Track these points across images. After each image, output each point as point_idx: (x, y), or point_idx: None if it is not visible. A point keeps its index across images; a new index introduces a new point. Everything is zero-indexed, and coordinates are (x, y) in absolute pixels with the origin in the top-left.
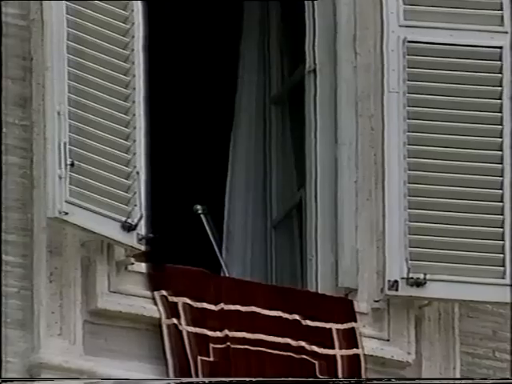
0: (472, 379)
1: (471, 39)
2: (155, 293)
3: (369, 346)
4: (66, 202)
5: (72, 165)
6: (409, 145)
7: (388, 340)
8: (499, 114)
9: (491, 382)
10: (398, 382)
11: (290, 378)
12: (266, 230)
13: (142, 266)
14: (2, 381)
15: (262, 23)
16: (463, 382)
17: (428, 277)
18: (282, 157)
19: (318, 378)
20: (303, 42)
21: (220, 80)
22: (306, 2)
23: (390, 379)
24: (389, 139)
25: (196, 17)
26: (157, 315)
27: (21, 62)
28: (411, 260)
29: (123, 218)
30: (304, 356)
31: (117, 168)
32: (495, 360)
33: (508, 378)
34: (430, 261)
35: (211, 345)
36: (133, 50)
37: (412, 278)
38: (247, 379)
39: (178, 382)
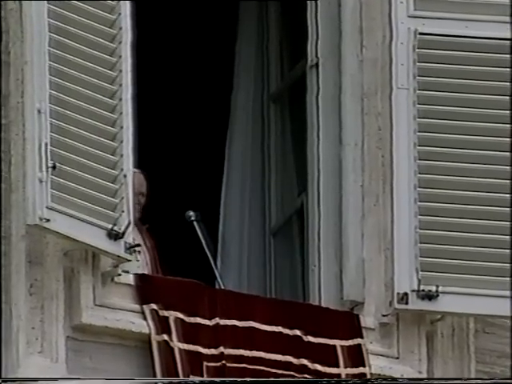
0: (471, 379)
1: (488, 31)
2: (144, 306)
3: (376, 365)
4: (47, 207)
5: (54, 167)
6: (419, 146)
7: (397, 358)
8: None
9: (491, 382)
10: (400, 382)
11: (289, 379)
12: (265, 237)
13: (130, 278)
14: (2, 381)
15: (260, 14)
16: (462, 381)
17: (440, 289)
18: (281, 159)
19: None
20: (304, 35)
21: (215, 77)
22: None
23: (393, 379)
24: (397, 139)
25: (190, 12)
26: (146, 331)
27: None
28: (422, 271)
29: (109, 226)
30: (306, 375)
31: (102, 171)
32: None
33: (508, 378)
34: (442, 272)
35: (205, 363)
36: (120, 42)
37: (423, 290)
38: (239, 379)
39: (167, 381)
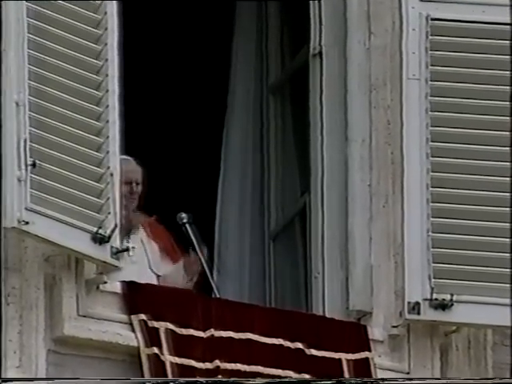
0: (471, 379)
1: (506, 16)
2: (132, 317)
3: None
4: (26, 209)
5: (33, 165)
6: (432, 142)
7: (408, 373)
8: None
9: (491, 382)
10: (402, 381)
11: (288, 379)
12: (264, 241)
13: (117, 286)
14: (2, 381)
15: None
16: (461, 381)
17: (455, 298)
18: (282, 156)
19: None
20: (307, 21)
21: (211, 69)
22: None
23: (395, 379)
24: (408, 135)
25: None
26: (134, 343)
27: None
28: (435, 278)
29: (94, 229)
30: None
31: (86, 169)
32: None
33: (508, 378)
34: (457, 279)
35: (199, 378)
36: (106, 28)
37: (436, 299)
38: (224, 380)
39: (155, 382)
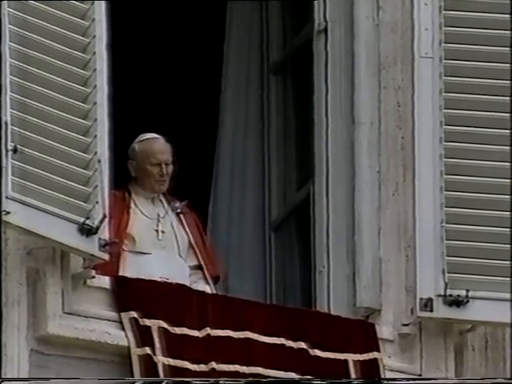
0: (470, 379)
1: None
2: (122, 314)
3: None
4: (7, 197)
5: (15, 151)
6: (446, 125)
7: (420, 375)
8: None
9: (491, 381)
10: (405, 382)
11: (289, 378)
12: (264, 233)
13: (105, 280)
14: (2, 381)
15: None
16: (460, 381)
17: (471, 294)
18: (283, 141)
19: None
20: None
21: (205, 48)
22: None
23: (396, 379)
24: (420, 118)
25: None
26: (125, 343)
27: None
28: (449, 272)
29: (81, 219)
30: None
31: (72, 154)
32: None
33: (508, 378)
34: (473, 273)
35: (194, 381)
36: (92, 3)
37: (450, 295)
38: (212, 379)
39: (145, 382)
